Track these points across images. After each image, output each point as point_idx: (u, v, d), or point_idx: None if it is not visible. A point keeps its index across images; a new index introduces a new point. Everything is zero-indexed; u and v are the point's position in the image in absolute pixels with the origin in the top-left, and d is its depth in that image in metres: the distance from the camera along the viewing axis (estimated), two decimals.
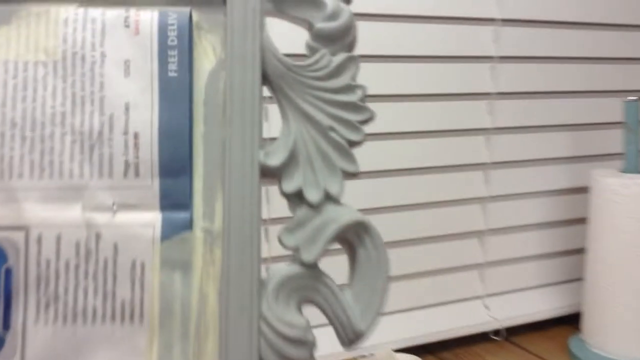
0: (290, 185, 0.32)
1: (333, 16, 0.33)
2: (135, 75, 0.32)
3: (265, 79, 0.33)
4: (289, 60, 0.32)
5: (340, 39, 0.33)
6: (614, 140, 0.80)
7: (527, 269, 0.84)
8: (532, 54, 0.80)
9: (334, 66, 0.32)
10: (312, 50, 0.33)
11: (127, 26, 0.33)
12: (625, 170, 0.70)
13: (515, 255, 0.83)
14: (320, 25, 0.33)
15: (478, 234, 0.80)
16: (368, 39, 0.68)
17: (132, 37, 0.33)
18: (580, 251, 0.80)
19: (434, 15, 0.73)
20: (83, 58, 0.33)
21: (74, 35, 0.33)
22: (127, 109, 0.32)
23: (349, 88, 0.33)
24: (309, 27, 0.34)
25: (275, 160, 0.32)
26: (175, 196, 0.32)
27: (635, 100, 0.69)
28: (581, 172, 0.83)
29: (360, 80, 0.33)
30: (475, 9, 0.75)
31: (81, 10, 0.33)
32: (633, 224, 0.66)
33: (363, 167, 0.33)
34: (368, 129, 0.33)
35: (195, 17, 0.34)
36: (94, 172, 0.32)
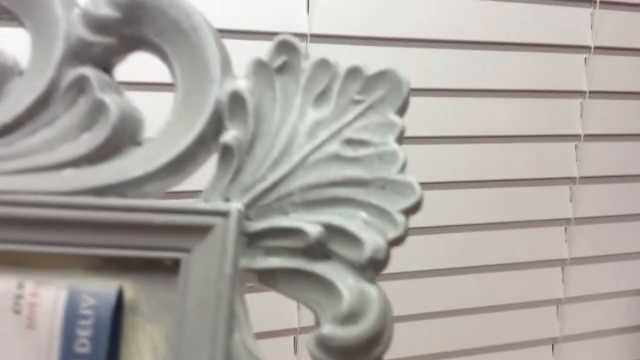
0: None
1: (352, 316, 0.19)
2: None
3: None
4: None
5: (360, 354, 0.19)
6: None
7: None
8: (617, 132, 0.68)
9: None
10: None
11: (18, 312, 0.19)
12: None
13: None
14: (330, 330, 0.19)
15: (551, 340, 0.69)
16: None
17: (24, 332, 0.20)
18: None
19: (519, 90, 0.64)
20: None
21: None
22: None
23: None
24: (315, 316, 0.20)
25: None
26: None
27: None
28: None
29: None
30: (559, 84, 0.64)
31: None
32: None
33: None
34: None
35: (130, 294, 0.20)
36: None
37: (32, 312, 0.20)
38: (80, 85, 0.22)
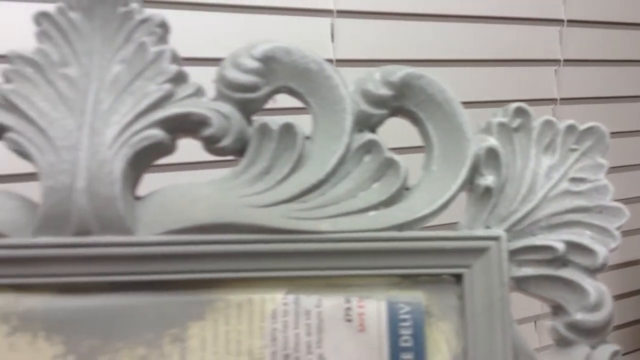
0: None
1: (597, 306, 0.26)
2: None
3: None
4: None
5: (602, 331, 0.26)
6: None
7: None
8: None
9: None
10: (564, 342, 0.27)
11: (349, 321, 0.26)
12: None
13: None
14: (581, 317, 0.26)
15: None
16: None
17: (356, 335, 0.26)
18: None
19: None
20: None
21: (284, 333, 0.26)
22: None
23: None
24: (556, 308, 0.27)
25: None
26: None
27: None
28: None
29: None
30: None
31: (291, 298, 0.26)
32: None
33: None
34: None
35: (424, 301, 0.27)
36: None
37: (362, 320, 0.27)
38: (368, 147, 0.28)
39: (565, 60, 0.98)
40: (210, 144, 0.28)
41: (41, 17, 0.28)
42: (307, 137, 0.29)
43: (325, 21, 0.81)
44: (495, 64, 0.92)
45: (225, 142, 0.28)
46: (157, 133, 0.27)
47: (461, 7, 0.88)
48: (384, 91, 0.28)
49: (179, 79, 0.28)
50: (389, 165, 0.28)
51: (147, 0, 0.29)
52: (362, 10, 0.82)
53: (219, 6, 0.72)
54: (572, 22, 0.95)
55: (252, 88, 0.28)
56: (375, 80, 0.29)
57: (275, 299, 0.27)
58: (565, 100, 0.97)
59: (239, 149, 0.29)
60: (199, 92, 0.29)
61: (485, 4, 0.89)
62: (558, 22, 0.95)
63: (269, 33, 0.75)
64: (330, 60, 0.81)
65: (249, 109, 0.29)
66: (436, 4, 0.86)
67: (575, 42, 1.01)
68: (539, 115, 0.29)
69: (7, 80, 0.27)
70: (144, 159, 0.28)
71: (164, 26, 0.29)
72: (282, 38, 0.81)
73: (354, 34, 0.81)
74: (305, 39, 0.78)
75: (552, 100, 0.97)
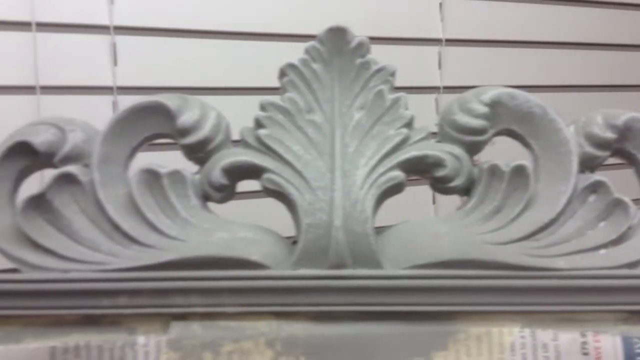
0: None
1: None
2: None
3: None
4: None
5: None
6: None
7: None
8: None
9: None
10: None
11: (586, 354, 0.27)
12: None
13: None
14: None
15: None
16: None
17: None
18: None
19: None
20: None
21: None
22: None
23: None
24: None
25: None
26: None
27: None
28: None
29: None
30: None
31: (527, 332, 0.27)
32: None
33: None
34: None
35: None
36: None
37: (598, 354, 0.28)
38: (594, 187, 0.29)
39: None
40: (441, 183, 0.30)
41: (288, 69, 0.30)
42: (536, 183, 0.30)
43: (433, 49, 0.82)
44: (599, 90, 0.91)
45: (457, 182, 0.30)
46: (399, 174, 0.29)
47: (564, 35, 0.88)
48: (609, 134, 0.30)
49: (411, 123, 0.30)
50: (617, 205, 0.29)
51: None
52: (470, 39, 0.83)
53: None
54: None
55: (480, 131, 0.30)
56: (599, 124, 0.30)
57: (513, 332, 0.28)
58: None
59: (466, 188, 0.31)
60: (428, 135, 0.30)
61: (589, 30, 0.89)
62: None
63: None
64: (437, 88, 0.83)
65: (473, 150, 0.31)
66: (540, 31, 0.87)
67: None
68: None
69: (260, 125, 0.30)
70: (385, 198, 0.30)
71: (394, 75, 0.31)
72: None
73: (460, 61, 0.83)
74: (414, 66, 0.80)
75: None
